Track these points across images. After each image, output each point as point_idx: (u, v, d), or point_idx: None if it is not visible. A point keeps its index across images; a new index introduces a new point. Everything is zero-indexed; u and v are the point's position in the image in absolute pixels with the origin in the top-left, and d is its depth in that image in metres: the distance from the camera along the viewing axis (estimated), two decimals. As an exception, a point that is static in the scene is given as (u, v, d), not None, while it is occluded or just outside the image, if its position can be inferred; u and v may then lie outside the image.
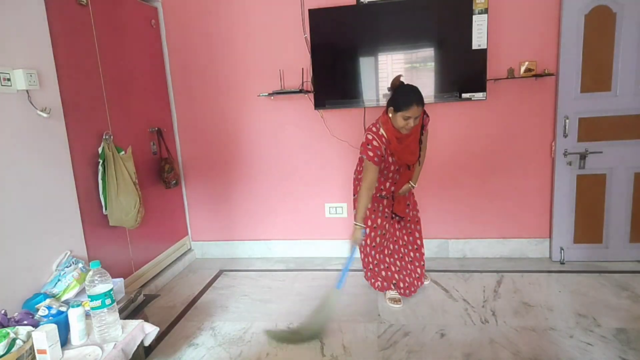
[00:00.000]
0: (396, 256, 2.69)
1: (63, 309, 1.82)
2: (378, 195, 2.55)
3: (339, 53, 3.07)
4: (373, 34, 2.98)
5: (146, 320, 2.09)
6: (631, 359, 1.99)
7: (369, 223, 2.58)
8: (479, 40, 2.86)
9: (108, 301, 1.77)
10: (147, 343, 1.94)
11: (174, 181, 3.19)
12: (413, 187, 2.59)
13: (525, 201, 3.18)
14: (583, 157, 2.92)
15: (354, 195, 2.66)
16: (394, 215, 2.60)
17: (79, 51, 2.42)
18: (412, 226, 2.73)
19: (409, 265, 2.70)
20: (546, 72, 2.88)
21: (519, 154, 3.11)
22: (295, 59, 3.20)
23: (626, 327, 2.24)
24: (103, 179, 2.48)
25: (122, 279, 2.31)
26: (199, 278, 3.26)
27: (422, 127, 2.43)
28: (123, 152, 2.59)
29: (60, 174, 2.23)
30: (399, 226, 2.70)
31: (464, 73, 2.94)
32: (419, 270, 2.72)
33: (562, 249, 3.10)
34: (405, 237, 2.72)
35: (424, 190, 3.24)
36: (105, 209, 2.51)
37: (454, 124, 3.14)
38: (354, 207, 2.58)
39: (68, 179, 2.28)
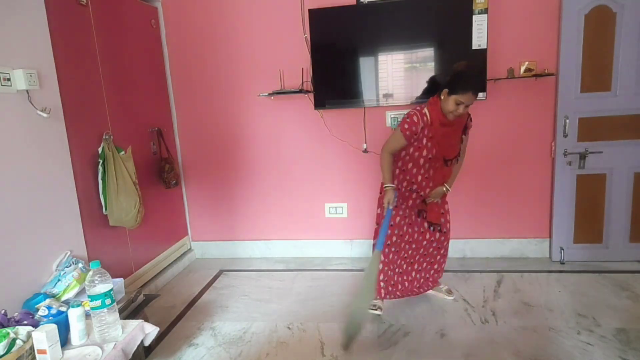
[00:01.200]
0: (407, 260, 2.55)
1: (63, 309, 1.82)
2: (409, 188, 2.41)
3: (338, 53, 3.07)
4: (373, 34, 2.98)
5: (146, 320, 2.09)
6: (631, 359, 1.99)
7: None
8: (479, 40, 2.85)
9: (108, 301, 1.77)
10: (147, 343, 1.94)
11: (174, 181, 3.19)
12: (447, 190, 2.40)
13: (525, 201, 3.18)
14: (583, 157, 2.92)
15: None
16: (429, 226, 2.47)
17: (79, 51, 2.42)
18: (442, 237, 2.55)
19: (413, 274, 2.58)
20: (546, 72, 2.88)
21: (519, 154, 3.11)
22: (295, 59, 3.20)
23: (626, 327, 2.24)
24: (103, 179, 2.48)
25: (122, 279, 2.30)
26: (199, 278, 3.26)
27: (465, 128, 2.36)
28: (123, 152, 2.59)
29: (60, 174, 2.23)
30: (422, 230, 2.50)
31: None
32: (427, 275, 2.61)
33: (562, 248, 3.10)
34: (427, 245, 2.53)
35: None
36: (105, 209, 2.51)
37: (454, 124, 3.14)
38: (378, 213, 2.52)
39: (68, 179, 2.28)
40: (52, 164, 2.18)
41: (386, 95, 3.06)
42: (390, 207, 2.30)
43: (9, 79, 1.93)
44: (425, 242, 2.53)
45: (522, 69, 2.93)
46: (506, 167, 3.15)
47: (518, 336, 2.22)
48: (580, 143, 2.94)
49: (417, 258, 2.56)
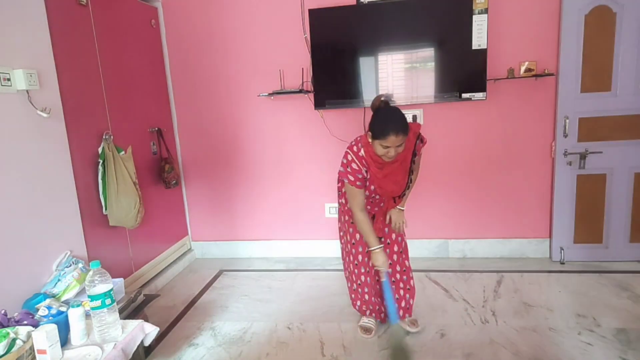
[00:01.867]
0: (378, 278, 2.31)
1: (63, 309, 1.82)
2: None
3: (339, 53, 3.07)
4: (373, 34, 2.98)
5: (146, 320, 2.09)
6: (631, 359, 1.99)
7: (348, 238, 2.29)
8: (479, 40, 2.85)
9: (108, 301, 1.77)
10: (147, 343, 1.94)
11: (174, 181, 3.19)
12: (401, 210, 2.25)
13: (525, 201, 3.18)
14: (583, 157, 2.92)
15: (341, 219, 2.34)
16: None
17: (79, 51, 2.42)
18: (399, 252, 2.32)
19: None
20: (546, 72, 2.88)
21: (519, 154, 3.11)
22: (295, 59, 3.20)
23: (626, 327, 2.23)
24: (103, 179, 2.48)
25: (122, 279, 2.30)
26: (199, 278, 3.26)
27: (414, 154, 2.09)
28: (123, 152, 2.59)
29: (60, 174, 2.23)
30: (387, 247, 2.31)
31: (464, 73, 2.94)
32: (404, 293, 2.34)
33: (562, 249, 3.10)
34: (395, 257, 2.32)
35: (423, 190, 3.24)
36: (105, 209, 2.51)
37: (454, 124, 3.14)
38: (340, 231, 2.36)
39: (68, 179, 2.28)
40: (52, 164, 2.18)
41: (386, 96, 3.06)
42: (389, 270, 2.10)
43: (9, 79, 1.93)
44: (393, 255, 2.32)
45: (522, 69, 2.93)
46: (506, 167, 3.15)
47: (518, 336, 2.22)
48: (581, 143, 2.94)
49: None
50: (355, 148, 2.04)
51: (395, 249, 2.30)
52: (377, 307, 2.36)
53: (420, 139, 2.09)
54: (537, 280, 2.85)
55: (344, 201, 2.29)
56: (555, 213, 3.08)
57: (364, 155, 2.02)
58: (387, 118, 1.90)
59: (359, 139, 2.07)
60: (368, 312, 2.36)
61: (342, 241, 2.39)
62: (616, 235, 3.03)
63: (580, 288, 2.71)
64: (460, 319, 2.43)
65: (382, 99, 1.97)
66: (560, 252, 3.10)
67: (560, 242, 3.10)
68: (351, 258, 2.30)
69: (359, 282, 2.31)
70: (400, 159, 2.01)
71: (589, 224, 3.06)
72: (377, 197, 2.18)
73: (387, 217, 2.25)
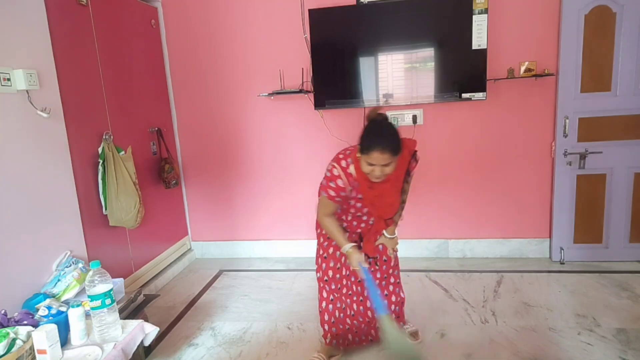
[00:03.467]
0: (355, 298, 2.07)
1: (63, 309, 1.82)
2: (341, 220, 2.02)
3: (339, 53, 3.06)
4: (373, 34, 2.98)
5: (146, 320, 2.09)
6: (631, 359, 1.99)
7: (321, 252, 2.06)
8: (479, 40, 2.85)
9: (108, 301, 1.77)
10: (147, 343, 1.94)
11: (174, 181, 3.19)
12: (392, 238, 2.01)
13: (525, 201, 3.18)
14: (583, 157, 2.92)
15: (318, 230, 2.10)
16: (368, 258, 2.01)
17: (79, 51, 2.42)
18: (386, 267, 2.12)
19: (369, 313, 2.09)
20: (546, 72, 2.88)
21: (519, 154, 3.11)
22: (295, 59, 3.20)
23: (626, 328, 2.24)
24: (103, 179, 2.48)
25: (122, 279, 2.31)
26: (199, 278, 3.26)
27: (408, 174, 1.89)
28: (123, 152, 2.59)
29: (60, 174, 2.23)
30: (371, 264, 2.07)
31: (464, 73, 2.94)
32: (395, 307, 2.18)
33: (562, 249, 3.10)
34: (378, 275, 2.11)
35: (423, 190, 3.24)
36: (105, 209, 2.51)
37: (454, 124, 3.14)
38: (318, 240, 2.11)
39: (68, 179, 2.28)
40: (52, 164, 2.18)
41: (386, 95, 3.06)
42: (365, 266, 1.89)
43: (9, 79, 1.93)
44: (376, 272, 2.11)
45: (522, 69, 2.93)
46: (506, 167, 3.15)
47: (518, 336, 2.22)
48: (580, 143, 2.94)
49: (366, 294, 2.06)
50: (344, 163, 1.80)
51: (385, 267, 2.12)
52: (343, 337, 2.07)
53: (415, 158, 1.87)
54: (537, 280, 2.85)
55: None
56: (555, 213, 3.08)
57: (353, 172, 1.79)
58: (376, 132, 1.69)
59: (348, 152, 1.83)
60: (328, 340, 2.07)
61: (316, 255, 2.12)
62: (616, 236, 3.03)
63: (580, 288, 2.71)
64: (460, 319, 2.43)
65: (379, 112, 1.75)
66: (560, 252, 3.10)
67: (560, 242, 3.10)
68: (320, 274, 2.06)
69: (327, 300, 2.06)
70: (392, 179, 1.80)
71: (588, 224, 3.06)
72: (365, 216, 1.99)
73: (379, 243, 2.03)
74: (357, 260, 1.87)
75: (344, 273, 2.03)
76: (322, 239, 2.07)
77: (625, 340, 2.13)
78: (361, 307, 2.08)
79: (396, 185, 1.85)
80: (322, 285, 2.07)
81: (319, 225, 2.06)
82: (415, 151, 1.85)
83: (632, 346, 2.08)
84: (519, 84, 3.00)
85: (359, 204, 1.93)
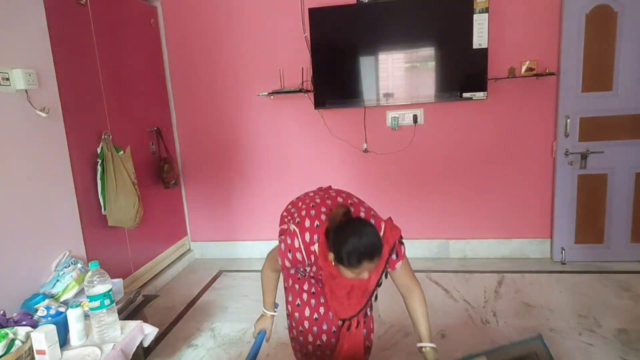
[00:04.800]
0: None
1: (62, 309, 1.81)
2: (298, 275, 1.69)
3: (339, 52, 3.06)
4: (373, 34, 2.97)
5: (145, 320, 2.08)
6: (632, 359, 1.98)
7: (291, 298, 1.70)
8: (479, 39, 2.85)
9: (107, 302, 1.76)
10: (146, 344, 1.93)
11: (173, 181, 3.18)
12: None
13: (526, 201, 3.17)
14: (584, 157, 2.91)
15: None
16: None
17: (78, 51, 2.42)
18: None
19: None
20: (547, 71, 2.87)
21: (520, 154, 3.10)
22: (295, 59, 3.19)
23: (627, 328, 2.23)
24: (102, 179, 2.47)
25: (121, 279, 2.30)
26: (199, 278, 3.25)
27: (384, 274, 1.52)
28: (122, 152, 2.58)
29: (59, 173, 2.22)
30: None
31: (465, 72, 2.93)
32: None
33: (563, 249, 3.09)
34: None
35: (424, 190, 3.24)
36: (104, 209, 2.50)
37: (455, 123, 3.13)
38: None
39: (67, 179, 2.27)
40: (51, 163, 2.17)
41: (386, 95, 3.05)
42: (261, 334, 1.71)
43: (7, 79, 1.92)
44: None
45: (523, 68, 2.92)
46: (507, 167, 3.14)
47: (519, 337, 2.21)
48: (582, 143, 2.93)
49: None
50: (307, 237, 1.43)
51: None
52: None
53: (396, 253, 1.47)
54: (538, 281, 2.84)
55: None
56: (556, 213, 3.07)
57: (316, 251, 1.43)
58: (356, 242, 1.30)
59: (315, 227, 1.44)
60: None
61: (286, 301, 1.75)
62: (617, 236, 3.02)
63: (581, 288, 2.70)
64: (461, 319, 2.42)
65: (342, 210, 1.39)
66: (561, 253, 3.09)
67: (561, 242, 3.10)
68: (294, 323, 1.70)
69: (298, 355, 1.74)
70: (363, 280, 1.44)
71: (590, 224, 3.05)
72: (322, 298, 1.63)
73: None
74: (260, 327, 1.71)
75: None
76: (291, 282, 1.72)
77: (627, 340, 2.12)
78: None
79: (363, 287, 1.50)
80: (296, 335, 1.72)
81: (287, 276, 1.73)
82: (395, 244, 1.47)
83: (633, 346, 2.07)
84: (519, 83, 3.00)
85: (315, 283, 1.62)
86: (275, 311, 1.78)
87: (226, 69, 3.33)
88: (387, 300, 2.61)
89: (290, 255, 1.47)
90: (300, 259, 1.46)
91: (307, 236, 1.44)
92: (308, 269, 1.57)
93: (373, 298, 1.58)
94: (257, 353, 1.66)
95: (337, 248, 1.34)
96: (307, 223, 1.46)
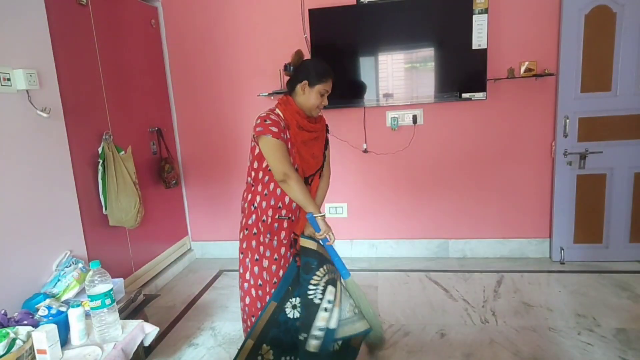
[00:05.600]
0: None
1: (63, 309, 1.82)
2: (277, 216, 1.90)
3: (339, 53, 3.06)
4: (373, 34, 2.98)
5: (146, 320, 2.09)
6: (631, 359, 1.99)
7: (249, 254, 1.95)
8: (479, 40, 2.85)
9: (108, 301, 1.77)
10: (147, 343, 1.94)
11: (174, 181, 3.19)
12: (321, 217, 1.87)
13: (525, 201, 3.18)
14: (583, 157, 2.92)
15: (242, 231, 2.03)
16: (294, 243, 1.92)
17: (79, 51, 2.42)
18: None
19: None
20: (546, 72, 2.88)
21: (519, 154, 3.11)
22: (295, 59, 3.19)
23: (626, 327, 2.24)
24: (103, 179, 2.48)
25: (122, 279, 2.30)
26: (199, 278, 3.25)
27: (327, 142, 1.99)
28: (123, 152, 2.59)
29: (60, 173, 2.22)
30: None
31: (464, 73, 2.94)
32: None
33: (562, 249, 3.09)
34: None
35: (423, 190, 3.24)
36: (105, 208, 2.51)
37: (454, 123, 3.14)
38: (243, 239, 2.02)
39: (68, 178, 2.28)
40: (52, 163, 2.18)
41: (386, 95, 3.06)
42: (330, 234, 1.89)
43: (9, 79, 1.92)
44: None
45: (523, 68, 2.93)
46: (506, 167, 3.15)
47: (518, 336, 2.22)
48: (581, 143, 2.94)
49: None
50: (271, 114, 1.77)
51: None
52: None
53: (328, 129, 2.02)
54: (537, 280, 2.85)
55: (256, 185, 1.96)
56: (556, 213, 3.08)
57: (280, 114, 1.79)
58: (319, 63, 1.87)
59: (272, 108, 1.84)
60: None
61: (241, 256, 2.01)
62: (616, 235, 3.02)
63: (580, 288, 2.71)
64: (460, 319, 2.43)
65: (297, 54, 1.84)
66: (560, 252, 3.10)
67: (560, 242, 3.10)
68: (252, 280, 1.93)
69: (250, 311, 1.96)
70: (318, 129, 1.89)
71: (589, 224, 3.06)
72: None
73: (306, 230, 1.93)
74: (325, 229, 1.89)
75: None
76: (268, 262, 1.90)
77: (625, 340, 2.13)
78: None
79: (320, 138, 1.94)
80: (254, 292, 1.99)
81: (250, 212, 1.99)
82: (327, 124, 2.02)
83: (632, 346, 2.08)
84: (519, 83, 3.00)
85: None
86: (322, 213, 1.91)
87: (227, 69, 3.34)
88: (387, 300, 2.63)
89: (269, 121, 1.73)
90: (275, 119, 1.76)
91: (271, 114, 1.77)
92: (285, 132, 1.79)
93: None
94: (333, 251, 1.91)
95: (307, 73, 1.81)
96: (263, 113, 1.79)
